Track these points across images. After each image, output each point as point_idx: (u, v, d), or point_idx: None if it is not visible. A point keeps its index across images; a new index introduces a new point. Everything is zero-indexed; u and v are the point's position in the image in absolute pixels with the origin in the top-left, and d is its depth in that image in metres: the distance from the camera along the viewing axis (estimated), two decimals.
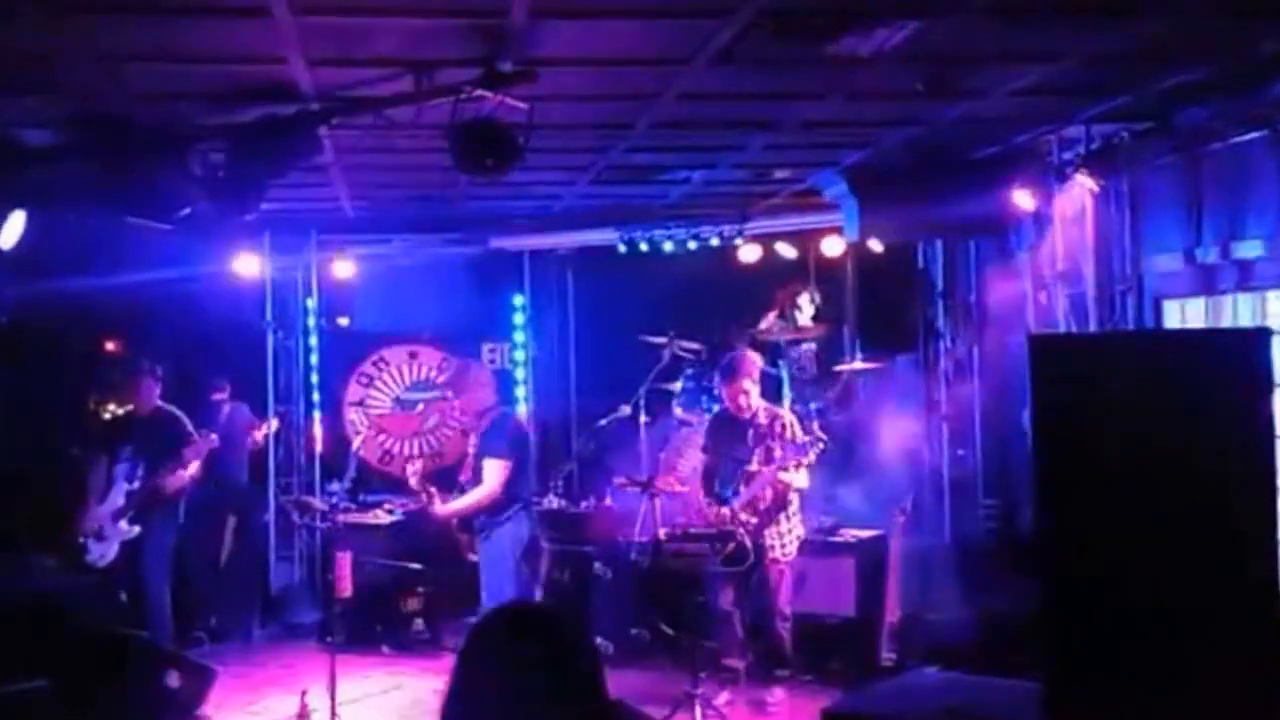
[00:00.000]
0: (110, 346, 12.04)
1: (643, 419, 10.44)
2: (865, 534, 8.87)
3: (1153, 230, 7.82)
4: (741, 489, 8.06)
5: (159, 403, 9.07)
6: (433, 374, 11.99)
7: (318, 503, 10.38)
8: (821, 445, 7.95)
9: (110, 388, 10.90)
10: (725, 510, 8.05)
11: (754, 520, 8.01)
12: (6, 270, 8.23)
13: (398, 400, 11.95)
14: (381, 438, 11.72)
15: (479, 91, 5.71)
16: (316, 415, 11.46)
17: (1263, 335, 4.88)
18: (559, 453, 11.63)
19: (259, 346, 11.19)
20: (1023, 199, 8.17)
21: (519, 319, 12.22)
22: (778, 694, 8.09)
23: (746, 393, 8.14)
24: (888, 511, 8.81)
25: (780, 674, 8.25)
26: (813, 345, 10.34)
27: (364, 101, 6.19)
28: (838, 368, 10.37)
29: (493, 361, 12.05)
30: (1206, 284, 7.38)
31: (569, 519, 9.94)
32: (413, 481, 8.69)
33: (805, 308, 10.15)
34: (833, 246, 10.45)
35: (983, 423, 9.61)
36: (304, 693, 7.51)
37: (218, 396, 10.71)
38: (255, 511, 11.09)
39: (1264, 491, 4.64)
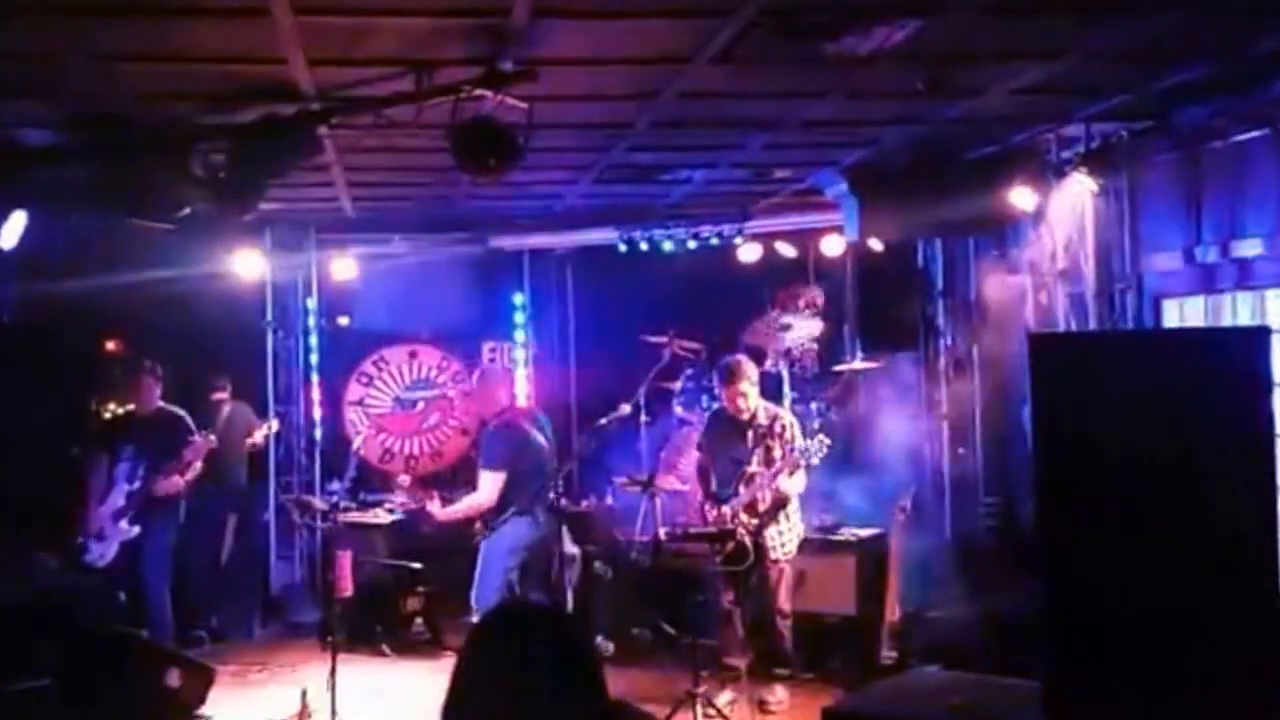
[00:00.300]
0: (110, 346, 12.05)
1: (643, 418, 10.46)
2: (866, 533, 8.87)
3: (1152, 229, 7.82)
4: (741, 490, 8.06)
5: (160, 403, 9.07)
6: (433, 373, 11.99)
7: (318, 502, 10.38)
8: (825, 447, 7.95)
9: (111, 388, 10.92)
10: (725, 510, 8.05)
11: (754, 521, 8.01)
12: (7, 270, 8.24)
13: (398, 399, 11.96)
14: (382, 437, 11.73)
15: (479, 91, 5.71)
16: (317, 415, 11.46)
17: (1262, 334, 4.89)
18: (559, 452, 11.63)
19: (259, 346, 11.19)
20: (1022, 198, 8.17)
21: (519, 318, 12.23)
22: (778, 693, 8.09)
23: (745, 395, 8.14)
24: (888, 510, 8.81)
25: (781, 673, 8.25)
26: (813, 345, 10.35)
27: (364, 101, 6.19)
28: (838, 367, 10.38)
29: (493, 361, 12.06)
30: (1206, 283, 7.39)
31: (569, 518, 9.93)
32: (403, 484, 8.75)
33: (799, 325, 10.16)
34: (833, 245, 10.47)
35: (983, 421, 9.61)
36: (304, 692, 7.50)
37: (218, 396, 10.73)
38: (255, 511, 11.11)
39: (1263, 490, 4.65)
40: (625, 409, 8.77)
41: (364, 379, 11.93)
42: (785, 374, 10.03)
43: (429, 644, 9.75)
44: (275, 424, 11.04)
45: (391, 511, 10.28)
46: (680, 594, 8.78)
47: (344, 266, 11.28)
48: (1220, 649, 4.57)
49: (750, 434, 8.15)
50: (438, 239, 11.28)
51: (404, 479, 9.07)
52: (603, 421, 8.74)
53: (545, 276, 12.26)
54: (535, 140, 6.17)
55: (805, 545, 8.43)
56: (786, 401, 9.68)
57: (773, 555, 8.09)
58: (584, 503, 10.58)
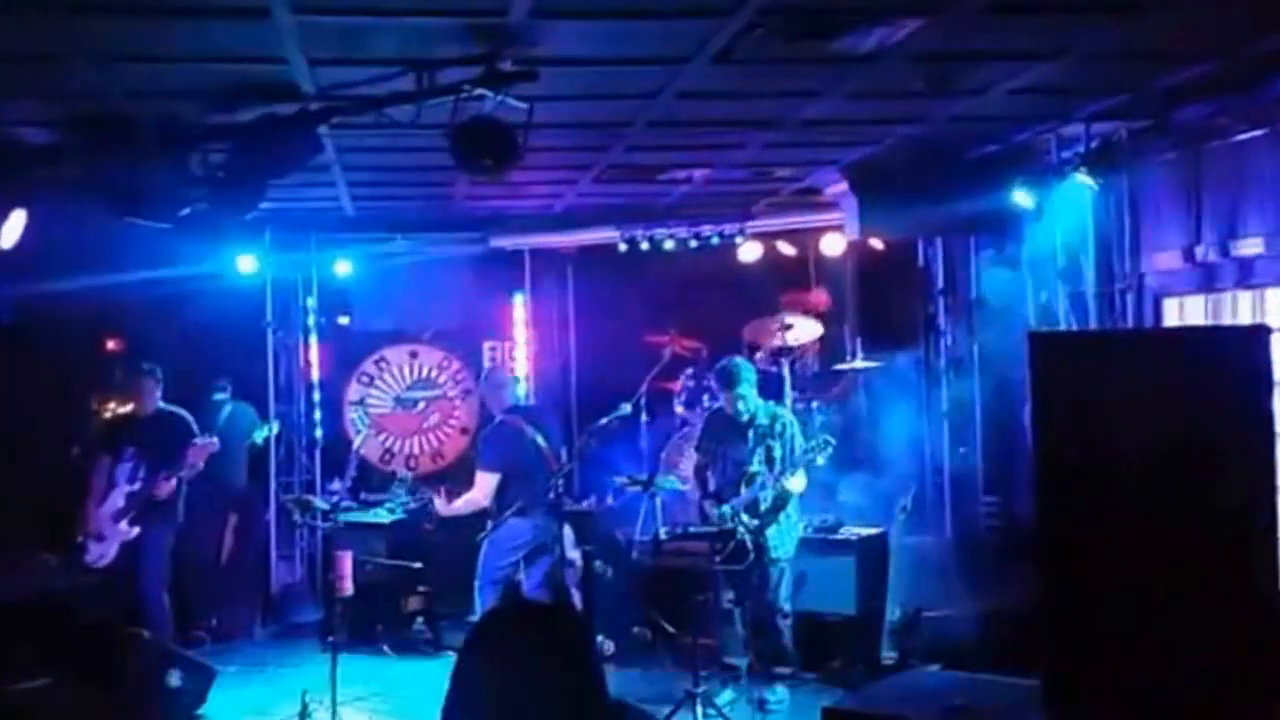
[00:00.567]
0: (111, 346, 12.04)
1: (643, 418, 10.45)
2: (866, 532, 8.87)
3: (1152, 228, 7.82)
4: (742, 490, 8.06)
5: (161, 404, 9.07)
6: (433, 373, 11.99)
7: (319, 502, 10.39)
8: (828, 447, 7.96)
9: (111, 388, 10.91)
10: (725, 510, 8.05)
11: (755, 521, 8.01)
12: (7, 270, 8.23)
13: (398, 399, 11.95)
14: (382, 437, 11.72)
15: (479, 91, 5.70)
16: (317, 415, 11.45)
17: (1262, 333, 4.89)
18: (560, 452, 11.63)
19: (259, 346, 11.18)
20: (1023, 197, 8.17)
21: (520, 318, 12.21)
22: (779, 692, 8.09)
23: (744, 397, 8.14)
24: (889, 509, 8.81)
25: (781, 672, 8.25)
26: (814, 344, 10.35)
27: (364, 101, 6.19)
28: (839, 366, 10.38)
29: (493, 360, 12.06)
30: (1206, 282, 7.38)
31: (570, 518, 9.92)
32: (406, 478, 8.83)
33: (800, 325, 10.17)
34: (833, 245, 10.47)
35: (983, 420, 9.61)
36: (305, 692, 7.50)
37: (219, 396, 10.72)
38: (256, 511, 11.10)
39: (1264, 488, 4.65)
40: (626, 408, 8.78)
41: (365, 379, 11.92)
42: (786, 373, 10.03)
43: (430, 644, 9.76)
44: (276, 426, 11.03)
45: (392, 511, 10.28)
46: (680, 593, 8.77)
47: (344, 266, 11.27)
48: (1220, 646, 4.57)
49: (751, 434, 8.15)
50: (438, 239, 11.28)
51: (405, 472, 9.12)
52: (603, 421, 8.76)
53: (546, 276, 12.24)
54: (535, 140, 6.16)
55: (806, 545, 8.44)
56: (788, 401, 9.68)
57: (773, 554, 8.09)
58: (584, 502, 10.57)
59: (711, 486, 8.33)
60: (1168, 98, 6.94)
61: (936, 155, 8.40)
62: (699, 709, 7.42)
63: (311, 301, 11.44)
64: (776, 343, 10.09)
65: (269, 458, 11.04)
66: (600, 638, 9.00)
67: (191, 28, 5.30)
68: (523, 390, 11.85)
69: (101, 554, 8.69)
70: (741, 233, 10.59)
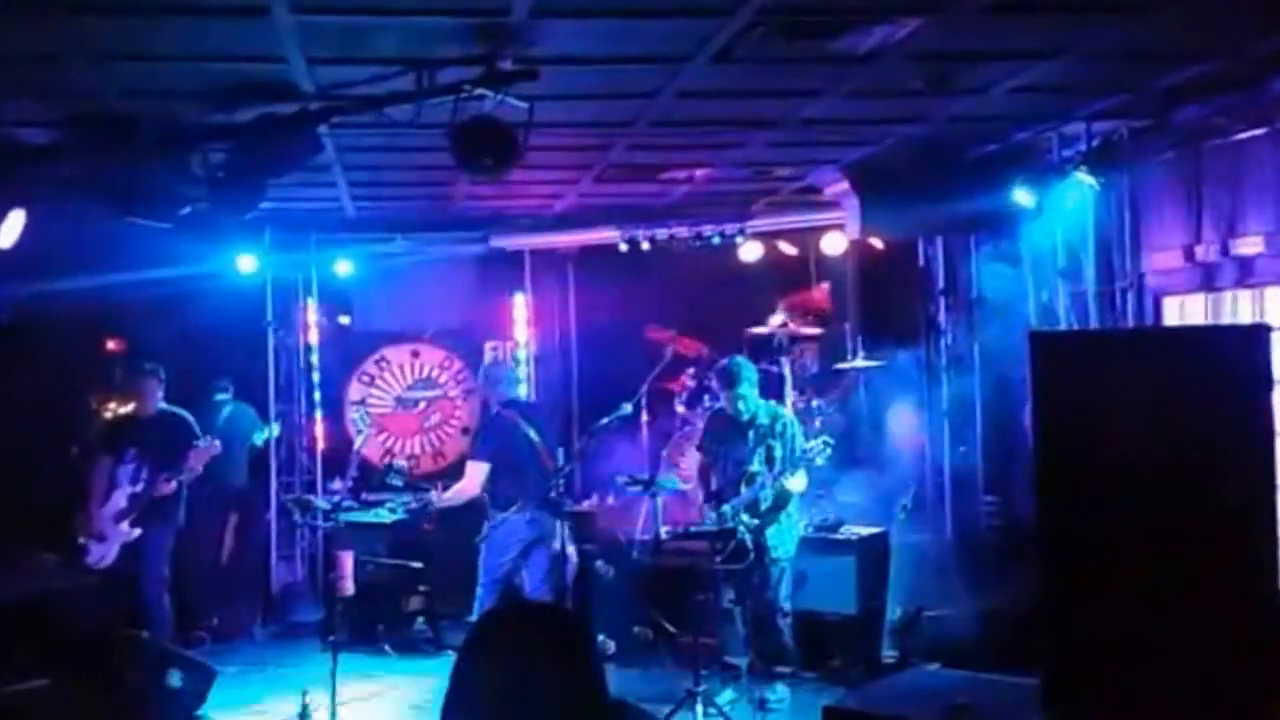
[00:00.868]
0: (111, 346, 12.04)
1: (644, 417, 10.45)
2: (867, 531, 8.87)
3: (1153, 227, 7.82)
4: (742, 489, 8.05)
5: (163, 405, 9.08)
6: (435, 373, 11.99)
7: (319, 502, 10.38)
8: (828, 447, 7.95)
9: (111, 388, 10.91)
10: (725, 509, 8.05)
11: (755, 520, 8.01)
12: (6, 270, 8.23)
13: (399, 399, 11.95)
14: (383, 436, 11.72)
15: (479, 90, 5.70)
16: (318, 414, 11.45)
17: (1262, 331, 4.89)
18: (560, 451, 11.63)
19: (259, 346, 11.18)
20: (1023, 196, 8.17)
21: (521, 317, 12.21)
22: (779, 691, 8.09)
23: (744, 397, 8.14)
24: (889, 508, 8.81)
25: (782, 671, 8.25)
26: (815, 343, 10.35)
27: (364, 100, 6.19)
28: (840, 365, 10.37)
29: (496, 359, 12.04)
30: (1206, 281, 7.38)
31: (570, 517, 9.92)
32: (402, 470, 8.94)
33: (801, 325, 10.17)
34: (834, 244, 10.47)
35: (984, 419, 9.61)
36: (305, 692, 7.50)
37: (220, 396, 10.71)
38: (256, 510, 11.10)
39: (1264, 487, 4.65)
40: (626, 408, 8.78)
41: (366, 378, 11.93)
42: (787, 373, 10.03)
43: (430, 643, 9.75)
44: (276, 428, 11.03)
45: (393, 511, 10.28)
46: (681, 593, 8.78)
47: (345, 265, 11.27)
48: (1221, 646, 4.57)
49: (752, 434, 8.15)
50: (438, 239, 11.28)
51: (401, 462, 9.21)
52: (604, 421, 8.76)
53: (546, 276, 12.24)
54: (535, 139, 6.17)
55: (806, 544, 8.43)
56: (789, 400, 9.68)
57: (773, 554, 8.09)
58: (585, 502, 10.58)
59: (713, 487, 8.32)
60: (1168, 97, 6.94)
61: (937, 154, 8.40)
62: (700, 708, 7.42)
63: (312, 301, 11.43)
64: (778, 343, 10.08)
65: (269, 458, 11.04)
66: (601, 637, 9.00)
67: (191, 27, 5.30)
68: (523, 389, 11.87)
69: (103, 555, 8.70)
70: (742, 232, 10.59)
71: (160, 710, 7.46)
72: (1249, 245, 6.94)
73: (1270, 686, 4.53)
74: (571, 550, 8.96)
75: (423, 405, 11.90)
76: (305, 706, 7.43)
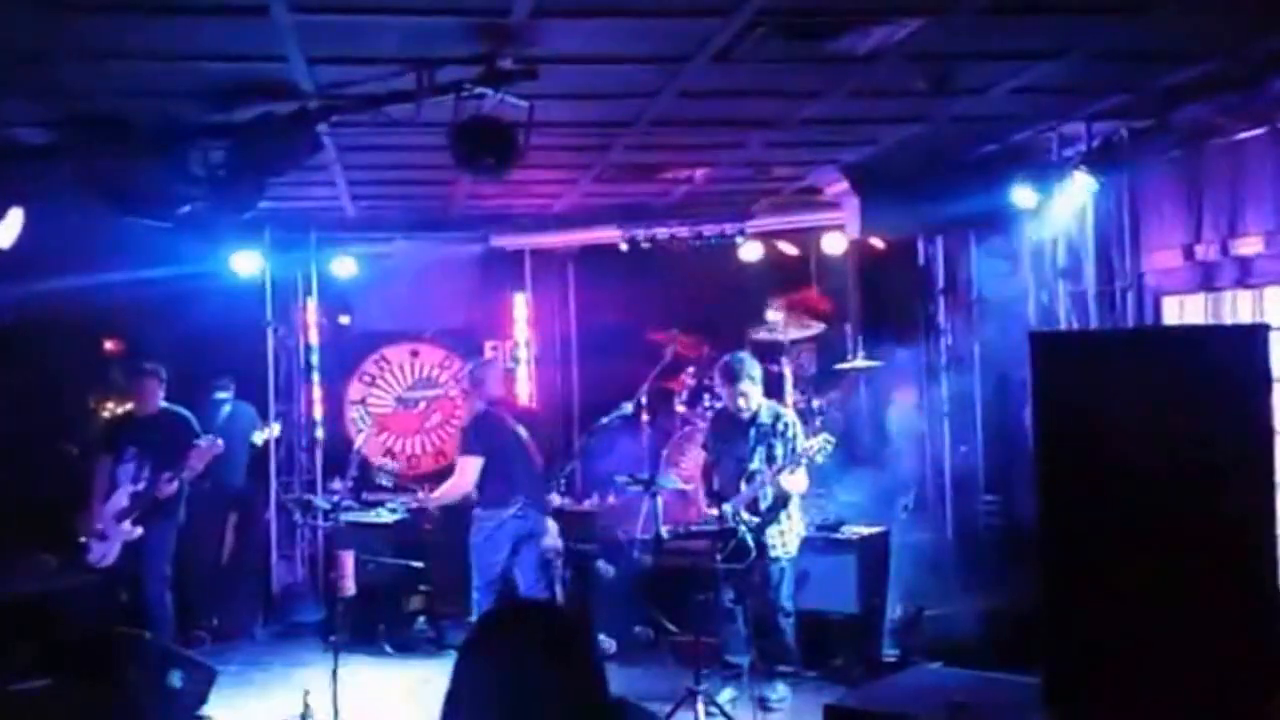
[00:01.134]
0: (110, 346, 12.04)
1: (645, 417, 10.45)
2: (867, 530, 8.87)
3: (1152, 227, 7.83)
4: (742, 487, 8.05)
5: (163, 404, 9.08)
6: (435, 372, 12.00)
7: (320, 501, 10.38)
8: (828, 446, 7.95)
9: (111, 388, 10.91)
10: (726, 508, 8.05)
11: (755, 519, 8.01)
12: (5, 270, 8.23)
13: (400, 399, 11.96)
14: (384, 436, 11.73)
15: (480, 89, 5.71)
16: (318, 414, 11.45)
17: (1261, 331, 4.89)
18: (561, 451, 11.64)
19: (259, 345, 11.18)
20: (1023, 196, 8.17)
21: (521, 317, 12.22)
22: (780, 690, 8.09)
23: (746, 393, 8.13)
24: (890, 508, 8.81)
25: (783, 670, 8.25)
26: (815, 343, 10.35)
27: (364, 100, 6.19)
28: (840, 365, 10.38)
29: (494, 357, 12.05)
30: (1206, 280, 7.39)
31: (571, 517, 9.94)
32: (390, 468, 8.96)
33: (801, 324, 10.17)
34: (834, 244, 10.48)
35: (984, 419, 9.62)
36: (306, 692, 7.51)
37: (221, 395, 10.71)
38: (257, 510, 11.10)
39: (1263, 485, 4.66)
40: (627, 408, 8.80)
41: (366, 378, 11.93)
42: (788, 372, 10.03)
43: (431, 643, 9.75)
44: (277, 428, 11.03)
45: (394, 511, 10.28)
46: (682, 592, 8.78)
47: (344, 265, 11.27)
48: (1220, 642, 4.57)
49: (753, 432, 8.14)
50: (438, 238, 11.28)
51: (391, 464, 9.26)
52: (604, 420, 8.78)
53: (547, 275, 12.25)
54: (536, 139, 6.17)
55: (807, 543, 8.43)
56: (789, 399, 9.68)
57: (774, 553, 8.09)
58: (586, 501, 10.58)
59: (715, 485, 8.32)
60: (1168, 97, 6.94)
61: (937, 154, 8.40)
62: (700, 707, 7.42)
63: (312, 300, 11.43)
64: (778, 343, 10.09)
65: (269, 457, 11.04)
66: (602, 636, 9.01)
67: (189, 25, 5.29)
68: (524, 390, 11.89)
69: (104, 554, 8.69)
70: (742, 232, 10.60)
71: (160, 710, 7.45)
72: (1249, 245, 6.95)
73: (1270, 686, 4.53)
74: (559, 546, 9.00)
75: (423, 405, 11.91)
76: (306, 707, 7.43)
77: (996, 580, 8.24)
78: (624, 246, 10.91)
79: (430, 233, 11.20)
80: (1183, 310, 7.69)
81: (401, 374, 12.01)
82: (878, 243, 10.32)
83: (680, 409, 10.63)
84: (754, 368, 8.25)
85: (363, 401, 11.77)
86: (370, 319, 12.21)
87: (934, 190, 8.61)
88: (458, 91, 5.73)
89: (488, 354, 12.10)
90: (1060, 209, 8.12)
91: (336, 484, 10.45)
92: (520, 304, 12.17)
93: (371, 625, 9.70)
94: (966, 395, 9.80)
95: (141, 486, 8.73)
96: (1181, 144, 7.40)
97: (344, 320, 12.21)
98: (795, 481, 8.04)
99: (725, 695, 7.93)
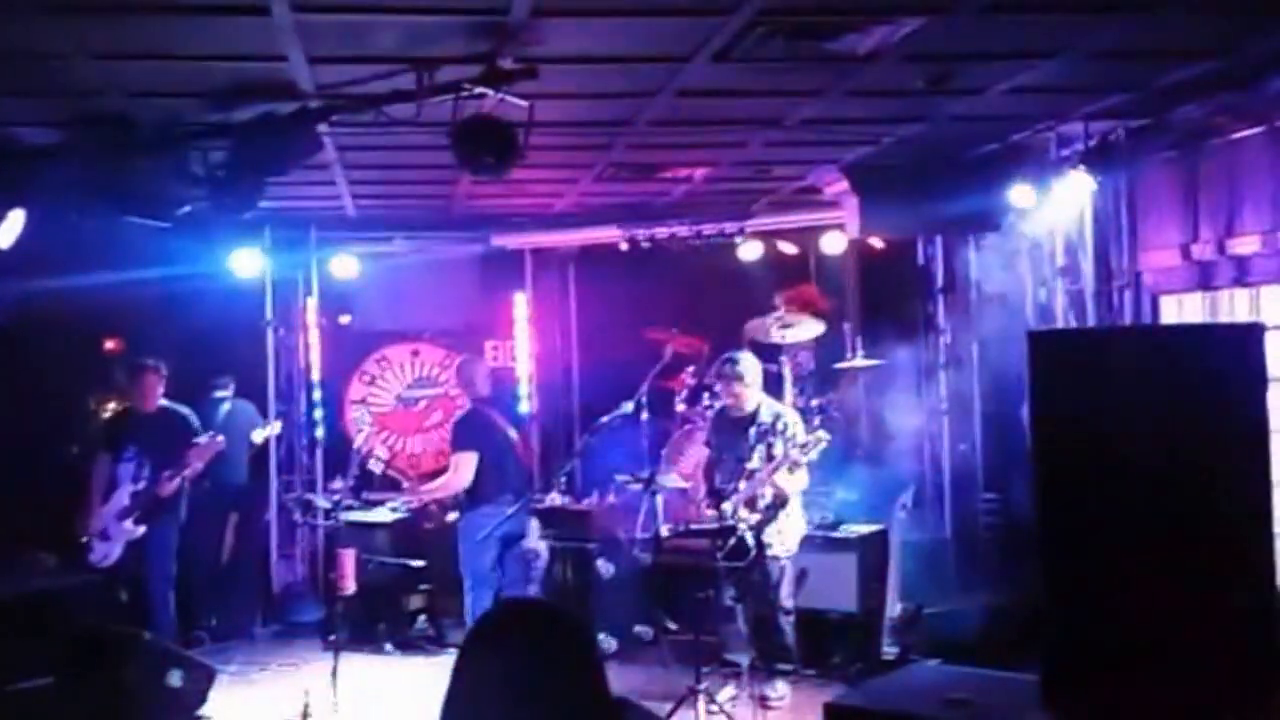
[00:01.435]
0: (110, 346, 12.05)
1: (644, 416, 10.46)
2: (866, 529, 8.87)
3: (1150, 226, 7.84)
4: (741, 486, 8.06)
5: (164, 402, 9.08)
6: (435, 371, 12.00)
7: (320, 500, 10.39)
8: (823, 443, 7.96)
9: (111, 387, 10.91)
10: (725, 507, 8.06)
11: (755, 517, 8.01)
12: (5, 270, 8.23)
13: (400, 398, 11.97)
14: (384, 435, 11.73)
15: (480, 89, 5.71)
16: (318, 414, 11.46)
17: (1258, 330, 4.90)
18: (561, 450, 11.65)
19: (260, 345, 11.18)
20: (1022, 195, 8.18)
21: (521, 316, 12.22)
22: (780, 688, 8.10)
23: (744, 392, 8.14)
24: (889, 506, 8.82)
25: (783, 669, 8.26)
26: (814, 342, 10.36)
27: (364, 99, 6.20)
28: (839, 364, 10.39)
29: (495, 359, 12.06)
30: (1203, 279, 7.40)
31: (571, 516, 9.95)
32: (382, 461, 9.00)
33: (800, 323, 10.17)
34: (834, 243, 10.49)
35: (983, 417, 9.63)
36: (306, 691, 7.51)
37: (221, 394, 10.71)
38: (257, 510, 11.10)
39: (1260, 484, 4.66)
40: (627, 407, 8.80)
41: (366, 377, 11.95)
42: (787, 371, 10.04)
43: (432, 642, 9.75)
44: (277, 426, 11.04)
45: (394, 510, 10.29)
46: (682, 591, 8.79)
47: (345, 265, 11.28)
48: (1218, 641, 4.58)
49: (753, 431, 8.15)
50: (438, 238, 11.29)
51: (381, 454, 9.34)
52: (604, 419, 8.78)
53: (547, 275, 12.26)
54: (536, 138, 6.18)
55: (807, 542, 8.44)
56: (788, 399, 9.68)
57: (773, 552, 8.09)
58: (586, 500, 10.59)
59: (716, 484, 8.33)
60: (1165, 96, 6.96)
61: (936, 154, 8.41)
62: (701, 706, 7.43)
63: (312, 300, 11.44)
64: (777, 342, 10.10)
65: (270, 457, 11.05)
66: (602, 635, 9.01)
67: (189, 25, 5.30)
68: (524, 389, 11.90)
69: (106, 553, 8.69)
70: (742, 231, 10.61)
71: (160, 710, 7.45)
72: (1245, 244, 6.96)
73: (1270, 686, 4.54)
74: (543, 546, 9.05)
75: (423, 404, 11.93)
76: (306, 706, 7.43)
77: (995, 578, 8.26)
78: (624, 246, 10.92)
79: (430, 232, 11.20)
80: (1181, 309, 7.70)
81: (402, 373, 12.02)
82: (877, 242, 10.33)
83: (680, 408, 10.64)
84: (753, 365, 8.26)
85: (363, 401, 11.78)
86: (370, 319, 12.22)
87: (933, 189, 8.62)
88: (458, 91, 5.74)
89: (488, 354, 12.12)
90: (1058, 208, 8.13)
91: (337, 483, 10.45)
92: (520, 304, 12.18)
93: (372, 624, 9.70)
94: (965, 393, 9.81)
95: (142, 485, 8.73)
96: (1179, 143, 7.41)
97: (344, 320, 12.21)
98: (794, 480, 8.05)
99: (725, 693, 7.93)
